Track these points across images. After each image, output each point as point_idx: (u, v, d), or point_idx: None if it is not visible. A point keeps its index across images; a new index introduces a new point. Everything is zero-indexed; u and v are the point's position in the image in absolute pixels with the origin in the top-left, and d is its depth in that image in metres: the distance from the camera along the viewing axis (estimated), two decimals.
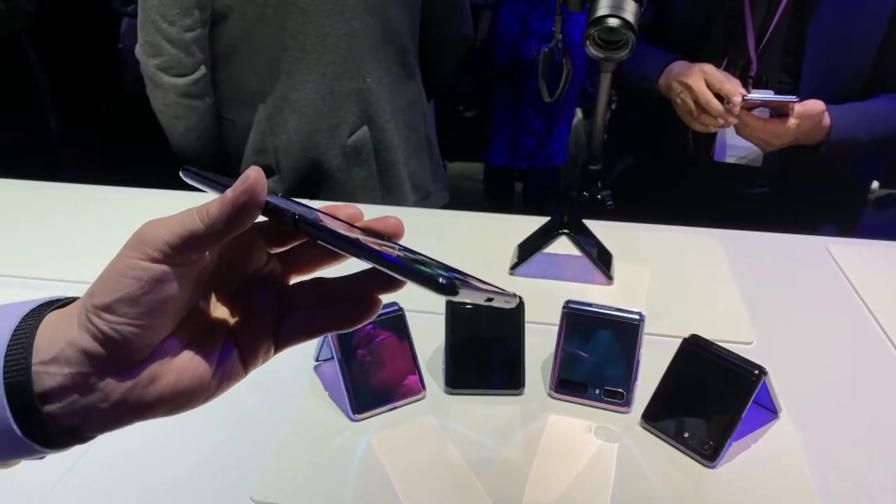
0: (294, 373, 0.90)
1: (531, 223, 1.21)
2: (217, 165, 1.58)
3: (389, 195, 1.56)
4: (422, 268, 0.34)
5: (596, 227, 1.19)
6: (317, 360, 0.92)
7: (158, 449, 0.79)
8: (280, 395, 0.87)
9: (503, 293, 0.38)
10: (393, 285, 0.41)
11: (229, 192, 0.37)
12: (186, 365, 0.39)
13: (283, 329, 0.42)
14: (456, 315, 0.87)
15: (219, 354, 0.41)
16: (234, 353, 0.41)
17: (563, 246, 1.10)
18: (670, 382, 0.81)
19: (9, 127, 1.85)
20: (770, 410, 0.83)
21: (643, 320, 0.84)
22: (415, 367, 0.86)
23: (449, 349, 0.87)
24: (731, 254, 1.21)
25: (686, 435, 0.78)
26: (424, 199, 1.63)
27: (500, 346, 0.87)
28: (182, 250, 0.37)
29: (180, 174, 0.44)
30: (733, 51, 1.47)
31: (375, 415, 0.83)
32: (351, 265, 0.40)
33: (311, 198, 1.45)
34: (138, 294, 0.36)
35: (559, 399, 0.85)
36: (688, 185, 1.59)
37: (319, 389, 0.88)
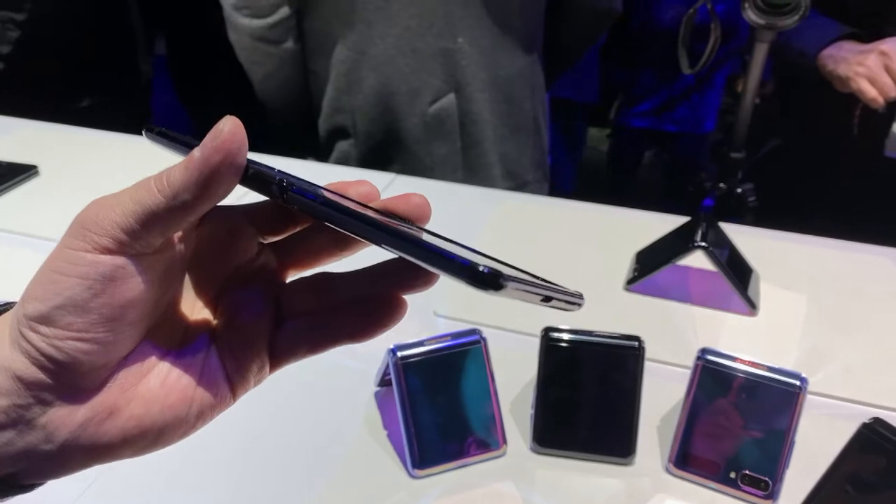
0: (348, 398, 0.75)
1: (656, 222, 0.99)
2: (300, 119, 1.44)
3: (474, 176, 1.35)
4: (456, 252, 0.26)
5: (734, 232, 0.96)
6: (378, 384, 0.75)
7: (180, 485, 0.65)
8: (326, 428, 0.72)
9: (565, 292, 0.29)
10: (420, 281, 0.32)
11: (196, 152, 0.28)
12: (155, 391, 0.30)
13: (279, 341, 0.33)
14: (551, 351, 0.68)
15: (199, 374, 0.32)
16: (218, 372, 0.32)
17: (693, 258, 0.88)
18: (839, 479, 0.59)
19: (97, 65, 1.75)
20: None
21: (805, 387, 0.63)
22: (495, 412, 0.68)
23: (540, 395, 0.68)
24: None
25: None
26: (519, 189, 1.41)
27: (607, 398, 0.68)
28: (140, 234, 0.28)
29: (143, 134, 0.35)
30: None
31: (441, 472, 0.66)
32: (364, 258, 0.33)
33: (385, 169, 1.28)
34: (86, 297, 0.28)
35: (680, 478, 0.65)
36: (848, 182, 1.32)
37: (377, 425, 0.72)
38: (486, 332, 0.69)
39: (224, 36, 1.42)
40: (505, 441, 0.68)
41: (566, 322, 0.70)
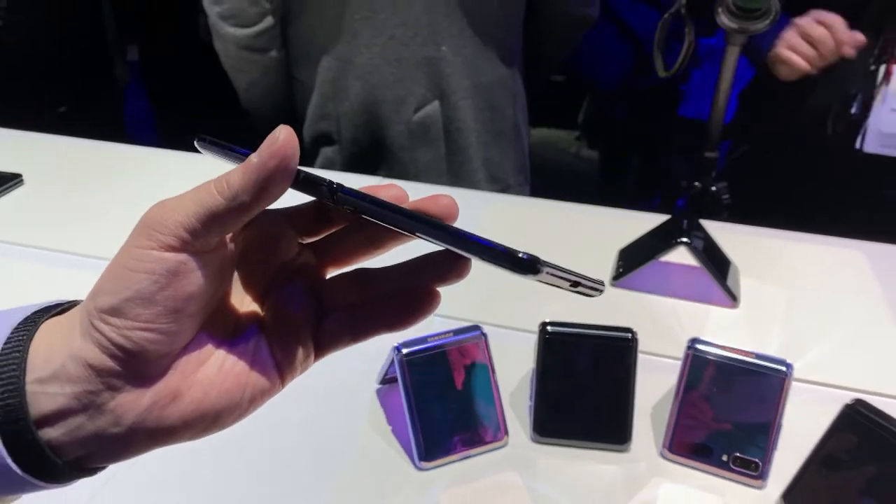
0: (351, 395, 0.76)
1: (635, 220, 1.03)
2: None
3: (459, 182, 1.38)
4: (494, 242, 0.28)
5: (712, 228, 1.00)
6: (380, 381, 0.77)
7: (188, 483, 0.66)
8: (331, 425, 0.73)
9: (589, 278, 0.32)
10: (453, 273, 0.34)
11: (254, 157, 0.31)
12: (213, 377, 0.33)
13: (323, 332, 0.36)
14: (549, 344, 0.71)
15: (251, 362, 0.34)
16: (268, 361, 0.35)
17: (675, 254, 0.92)
18: (825, 457, 0.63)
19: (72, 71, 1.74)
20: None
21: (790, 372, 0.66)
22: (497, 405, 0.70)
23: (539, 387, 0.71)
24: (884, 275, 0.99)
25: None
26: (502, 192, 1.44)
27: (603, 388, 0.71)
28: (201, 233, 0.31)
29: (195, 143, 0.37)
30: (892, 24, 1.23)
31: (446, 463, 0.69)
32: (395, 256, 0.35)
33: (371, 175, 1.30)
34: (152, 291, 0.30)
35: (674, 462, 0.69)
36: (824, 179, 1.37)
37: (381, 421, 0.74)
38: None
39: (196, 42, 1.43)
40: (506, 432, 0.71)
41: (562, 317, 0.73)
